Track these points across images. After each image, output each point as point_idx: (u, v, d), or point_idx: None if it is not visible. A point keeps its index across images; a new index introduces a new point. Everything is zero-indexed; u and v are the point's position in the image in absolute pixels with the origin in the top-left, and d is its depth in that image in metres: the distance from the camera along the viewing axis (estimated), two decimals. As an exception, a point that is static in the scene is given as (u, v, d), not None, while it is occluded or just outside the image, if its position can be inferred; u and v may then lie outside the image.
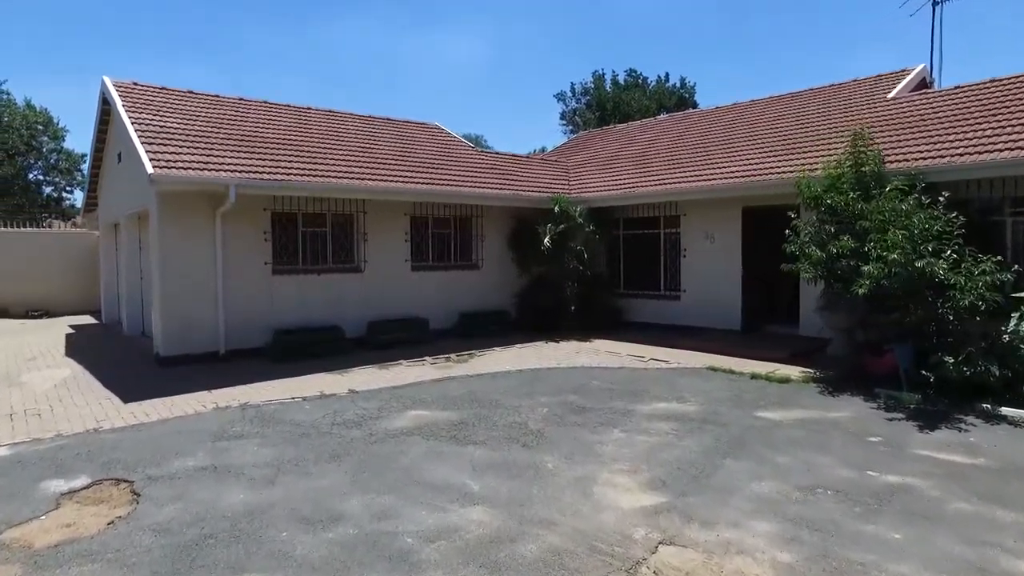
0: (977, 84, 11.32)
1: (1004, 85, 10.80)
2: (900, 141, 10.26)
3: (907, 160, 9.42)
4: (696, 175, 12.78)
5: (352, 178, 11.26)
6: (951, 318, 7.83)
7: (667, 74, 41.75)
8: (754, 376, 9.24)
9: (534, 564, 3.88)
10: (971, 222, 8.30)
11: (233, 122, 11.97)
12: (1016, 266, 8.01)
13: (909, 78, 13.12)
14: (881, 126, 11.17)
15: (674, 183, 12.86)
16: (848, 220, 8.87)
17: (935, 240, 7.84)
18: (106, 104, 12.06)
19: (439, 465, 5.65)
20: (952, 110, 10.67)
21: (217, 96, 13.33)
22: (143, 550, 4.03)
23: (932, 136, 9.91)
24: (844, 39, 53.44)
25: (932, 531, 4.32)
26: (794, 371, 9.53)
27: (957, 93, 11.35)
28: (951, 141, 9.52)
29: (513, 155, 16.91)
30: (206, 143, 10.47)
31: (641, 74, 42.54)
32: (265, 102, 14.12)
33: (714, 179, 12.15)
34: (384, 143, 14.03)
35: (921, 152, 9.51)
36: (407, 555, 3.99)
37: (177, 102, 12.04)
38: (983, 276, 7.47)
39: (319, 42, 60.03)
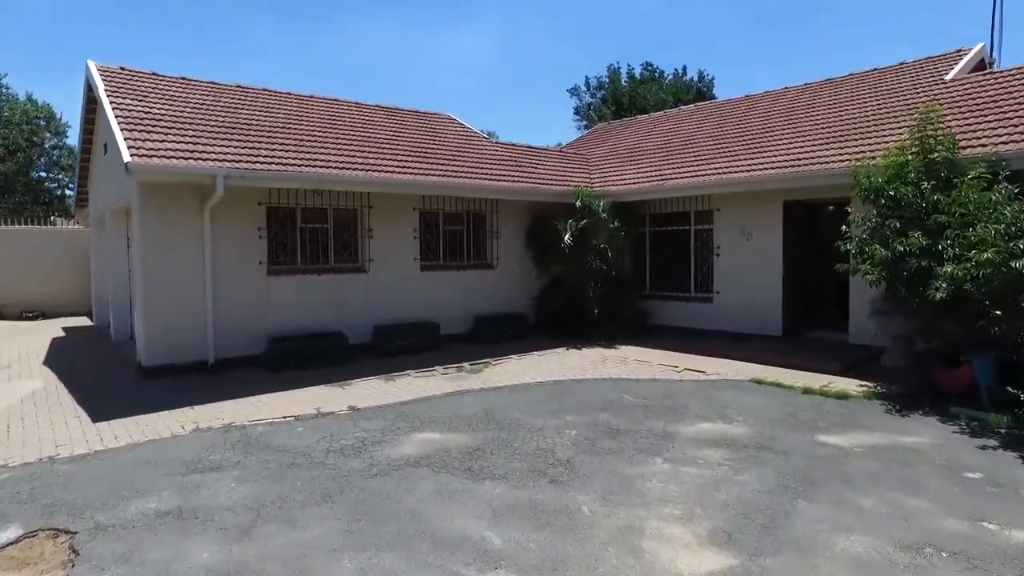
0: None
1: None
2: (971, 125, 9.21)
3: (984, 145, 8.37)
4: (732, 166, 11.76)
5: (355, 169, 10.35)
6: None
7: (684, 67, 40.70)
8: (807, 391, 8.23)
9: (578, 668, 2.94)
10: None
11: (228, 110, 11.10)
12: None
13: (967, 58, 12.02)
14: (944, 110, 10.09)
15: (709, 175, 11.85)
16: (917, 214, 7.85)
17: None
18: (91, 91, 11.22)
19: (451, 508, 4.71)
20: (1029, 91, 9.59)
21: (213, 83, 12.47)
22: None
23: (1012, 118, 8.84)
24: (863, 29, 51.99)
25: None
26: (850, 385, 8.52)
27: (1030, 72, 10.27)
28: (1033, 124, 8.46)
29: (530, 147, 15.96)
30: (195, 131, 9.60)
31: (658, 67, 41.49)
32: (265, 89, 13.25)
33: (753, 170, 11.12)
34: (391, 133, 13.12)
35: (1000, 136, 8.45)
36: (410, 650, 3.06)
37: (167, 88, 11.19)
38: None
39: (330, 43, 59.37)
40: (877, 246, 7.84)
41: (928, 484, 5.13)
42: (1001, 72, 10.92)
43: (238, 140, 9.81)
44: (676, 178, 12.40)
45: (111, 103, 9.41)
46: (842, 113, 12.01)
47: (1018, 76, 10.29)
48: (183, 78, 12.12)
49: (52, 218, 24.86)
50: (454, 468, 5.56)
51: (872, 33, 52.04)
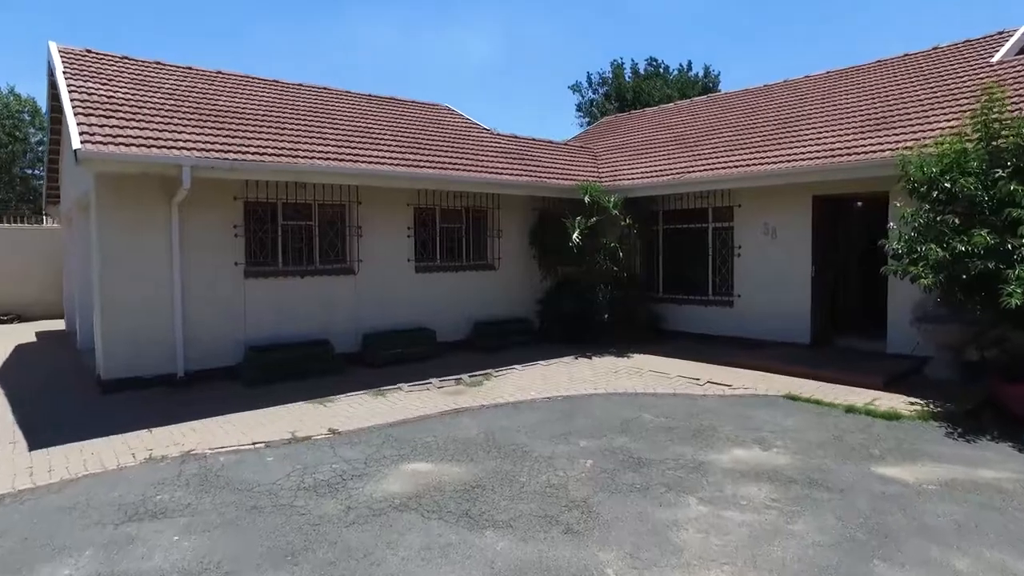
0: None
1: None
2: (1031, 109, 8.29)
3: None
4: (755, 157, 10.84)
5: (343, 159, 9.43)
6: None
7: (689, 62, 39.84)
8: (850, 409, 7.31)
9: None
10: None
11: (203, 96, 10.19)
12: None
13: (1014, 39, 11.09)
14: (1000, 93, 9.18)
15: (731, 167, 10.93)
16: (980, 208, 6.93)
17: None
18: (53, 75, 10.31)
19: (444, 571, 3.80)
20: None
21: (190, 68, 11.58)
22: None
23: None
24: (870, 27, 51.04)
25: None
26: (897, 402, 7.60)
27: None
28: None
29: (533, 139, 15.05)
30: (163, 118, 8.69)
31: (663, 62, 40.61)
32: (247, 76, 12.36)
33: (781, 160, 10.20)
34: (383, 123, 12.22)
35: (1071, 120, 7.53)
36: None
37: (138, 72, 10.29)
38: None
39: (330, 40, 58.39)
40: (933, 246, 6.91)
41: (1030, 537, 4.22)
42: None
43: (211, 128, 8.90)
44: (694, 171, 11.48)
45: (68, 86, 8.51)
46: (876, 100, 11.10)
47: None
48: (157, 62, 11.23)
49: (38, 216, 23.97)
50: (448, 512, 4.65)
51: (879, 32, 51.11)
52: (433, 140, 12.08)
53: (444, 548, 4.11)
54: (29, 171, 32.42)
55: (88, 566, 3.81)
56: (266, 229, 9.53)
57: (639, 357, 10.68)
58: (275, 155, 8.74)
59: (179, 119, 8.84)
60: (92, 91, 8.59)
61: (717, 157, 11.71)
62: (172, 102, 9.41)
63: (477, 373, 9.45)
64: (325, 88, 13.46)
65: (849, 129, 10.29)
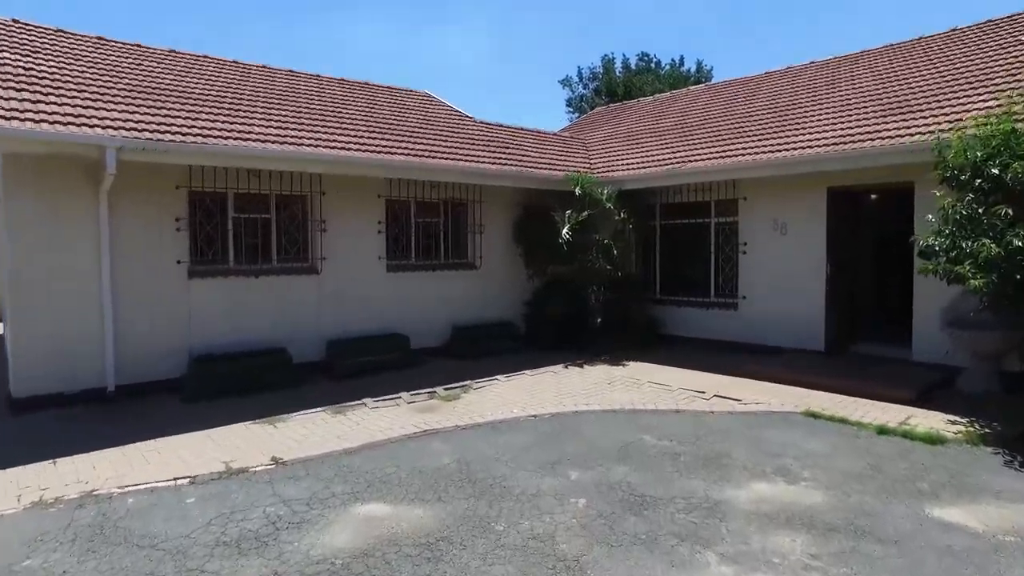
0: None
1: None
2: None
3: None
4: (763, 145, 9.90)
5: (302, 143, 8.39)
6: None
7: (682, 57, 39.10)
8: (883, 430, 6.36)
9: None
10: None
11: (149, 74, 9.13)
12: None
13: (1045, 17, 10.23)
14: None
15: (736, 155, 9.98)
16: (1036, 197, 6.01)
17: None
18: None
19: None
20: None
21: (138, 45, 10.48)
22: None
23: None
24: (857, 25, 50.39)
25: None
26: (936, 420, 6.66)
27: None
28: None
29: (520, 128, 14.04)
30: (93, 94, 7.62)
31: (654, 57, 39.84)
32: (204, 56, 11.28)
33: (792, 148, 9.26)
34: (354, 107, 11.18)
35: None
36: None
37: (72, 47, 9.21)
38: None
39: (319, 41, 57.03)
40: (986, 241, 5.97)
41: None
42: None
43: (148, 107, 7.84)
44: (695, 160, 10.51)
45: (-21, 55, 7.42)
46: (893, 84, 10.18)
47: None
48: (99, 38, 10.15)
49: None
50: (402, 579, 3.64)
51: (859, 29, 50.52)
52: (408, 126, 11.06)
53: (390, 640, 3.10)
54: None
55: None
56: (215, 223, 8.47)
57: (636, 366, 9.70)
58: (222, 137, 7.69)
59: (111, 96, 7.76)
60: (4, 61, 7.49)
61: (720, 146, 10.75)
62: (107, 79, 8.33)
63: (454, 385, 8.43)
64: (291, 71, 12.40)
65: (867, 113, 9.37)
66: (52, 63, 8.13)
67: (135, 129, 6.93)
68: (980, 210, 6.47)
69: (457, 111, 13.86)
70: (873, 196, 11.04)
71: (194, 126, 7.68)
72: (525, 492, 4.94)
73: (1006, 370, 7.73)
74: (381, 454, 5.85)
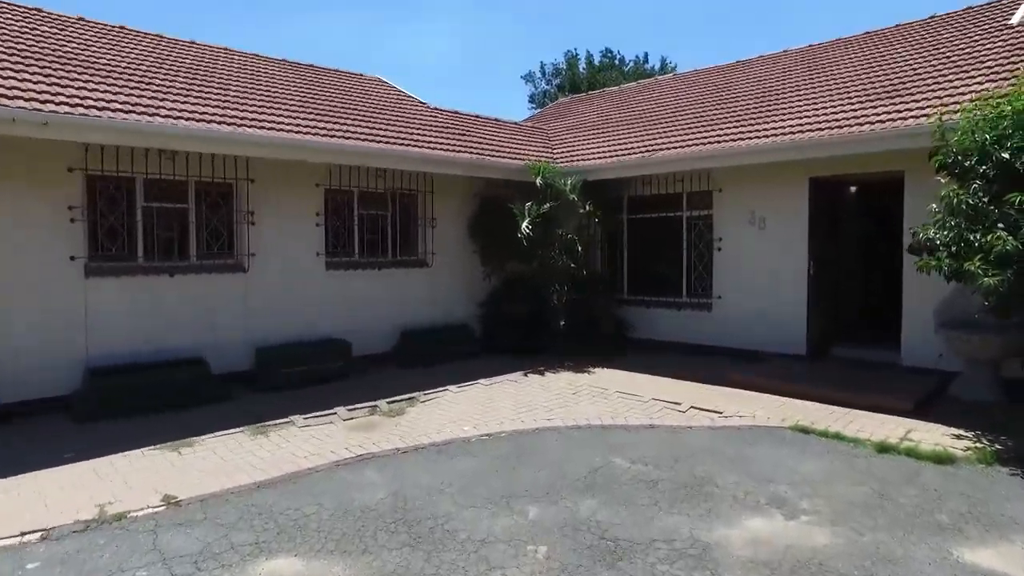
0: None
1: None
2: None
3: None
4: (740, 132, 9.19)
5: (224, 121, 7.36)
6: None
7: (646, 54, 38.84)
8: (883, 448, 5.64)
9: None
10: None
11: (42, 42, 7.95)
12: None
13: (1031, 0, 9.75)
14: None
15: (710, 142, 9.25)
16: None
17: None
18: None
19: None
20: None
21: (39, 10, 9.25)
22: None
23: None
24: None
25: None
26: (938, 435, 5.99)
27: None
28: None
29: (477, 116, 13.15)
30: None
31: (618, 53, 39.61)
32: (123, 27, 10.08)
33: (772, 134, 8.57)
34: (293, 88, 10.15)
35: None
36: None
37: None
38: None
39: (285, 38, 55.03)
40: (1002, 234, 5.29)
41: None
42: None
43: (30, 74, 6.69)
44: (666, 148, 9.76)
45: None
46: (877, 69, 9.59)
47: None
48: (37, 9, 8.98)
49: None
50: None
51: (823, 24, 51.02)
52: (354, 110, 10.07)
53: None
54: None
55: None
56: (120, 213, 7.37)
57: (603, 373, 8.90)
58: (123, 111, 6.61)
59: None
60: None
61: (692, 133, 10.03)
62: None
63: (399, 398, 7.49)
64: (225, 49, 11.29)
65: (853, 97, 8.73)
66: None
67: (5, 96, 5.81)
68: (986, 199, 5.83)
69: (410, 96, 12.89)
70: (852, 188, 10.44)
71: (88, 97, 6.58)
72: (472, 538, 4.05)
73: (1007, 376, 7.14)
74: (302, 488, 4.90)
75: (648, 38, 53.76)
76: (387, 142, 9.04)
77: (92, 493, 4.69)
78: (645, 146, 10.31)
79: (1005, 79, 7.28)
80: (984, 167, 5.90)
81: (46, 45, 7.83)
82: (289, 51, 53.08)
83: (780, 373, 8.05)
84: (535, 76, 41.26)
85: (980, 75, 7.78)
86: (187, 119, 7.09)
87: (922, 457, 5.42)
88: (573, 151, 11.80)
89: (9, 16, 8.51)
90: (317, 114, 9.10)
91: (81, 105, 6.33)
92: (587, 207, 9.98)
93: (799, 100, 9.51)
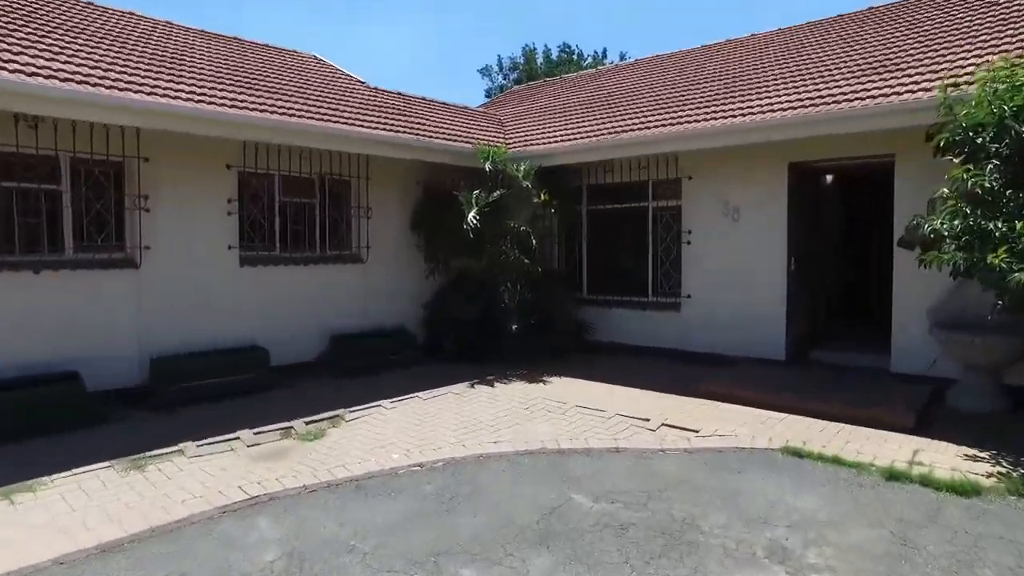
0: None
1: None
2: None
3: None
4: (711, 112, 8.30)
5: (103, 84, 6.09)
6: None
7: (604, 50, 38.30)
8: (892, 475, 4.76)
9: None
10: None
11: None
12: None
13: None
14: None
15: (678, 123, 8.34)
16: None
17: None
18: None
19: None
20: None
21: None
22: None
23: None
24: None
25: None
26: (950, 455, 5.16)
27: None
28: None
29: (423, 98, 12.02)
30: None
31: (576, 48, 39.03)
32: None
33: (748, 113, 7.70)
34: (209, 57, 8.87)
35: None
36: None
37: None
38: None
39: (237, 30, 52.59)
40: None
41: None
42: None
43: None
44: (632, 130, 8.82)
45: None
46: (859, 47, 8.84)
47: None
48: None
49: None
50: None
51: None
52: (280, 85, 8.83)
53: None
54: None
55: None
56: (-30, 194, 6.04)
57: (560, 382, 7.90)
58: (-34, 66, 5.31)
59: None
60: None
61: (658, 114, 9.11)
62: None
63: (320, 416, 6.34)
64: (132, 13, 9.92)
65: (836, 75, 7.92)
66: None
67: None
68: (1003, 182, 5.03)
69: (349, 75, 11.69)
70: (829, 177, 9.67)
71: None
72: (383, 626, 2.98)
73: (1010, 384, 6.39)
74: (165, 549, 3.75)
75: (606, 36, 53.23)
76: (318, 118, 7.87)
77: None
78: (606, 129, 9.35)
79: (1003, 51, 6.54)
80: (998, 145, 5.11)
81: None
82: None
83: (759, 381, 7.17)
84: (492, 70, 40.42)
85: (978, 47, 7.06)
86: (56, 78, 5.81)
87: (940, 487, 4.55)
88: (528, 136, 10.78)
89: None
90: (232, 86, 7.85)
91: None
92: (542, 196, 8.96)
93: (776, 80, 8.67)
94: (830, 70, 8.21)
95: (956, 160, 5.30)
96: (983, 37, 7.37)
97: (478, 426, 6.15)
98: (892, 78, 7.08)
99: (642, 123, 8.93)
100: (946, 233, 5.26)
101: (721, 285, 8.50)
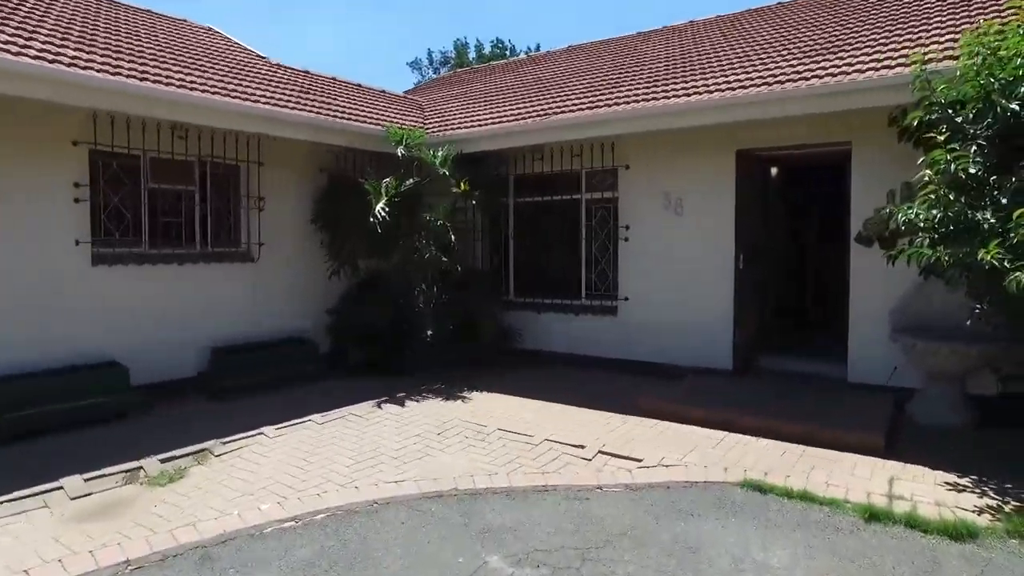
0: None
1: None
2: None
3: None
4: (652, 92, 7.49)
5: None
6: None
7: (538, 45, 37.72)
8: (871, 515, 3.99)
9: None
10: None
11: None
12: None
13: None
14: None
15: (615, 103, 7.50)
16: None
17: None
18: None
19: None
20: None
21: None
22: None
23: None
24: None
25: None
26: (930, 484, 4.47)
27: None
28: None
29: (334, 77, 10.82)
30: None
31: (509, 43, 38.27)
32: None
33: (694, 92, 6.91)
34: (81, 18, 7.44)
35: None
36: None
37: None
38: None
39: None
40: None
41: None
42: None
43: None
44: (562, 111, 7.92)
45: None
46: (808, 31, 8.24)
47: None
48: None
49: None
50: None
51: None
52: (161, 51, 7.49)
53: None
54: None
55: None
56: None
57: (482, 399, 6.91)
58: None
59: None
60: None
61: (592, 96, 8.25)
62: None
63: (183, 452, 5.14)
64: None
65: (788, 55, 7.27)
66: None
67: None
68: (987, 167, 4.37)
69: (247, 49, 10.37)
70: (773, 170, 9.05)
71: None
72: None
73: (976, 393, 5.81)
74: None
75: (540, 32, 52.63)
76: (198, 89, 6.61)
77: None
78: (535, 112, 8.43)
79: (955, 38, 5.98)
80: (977, 127, 4.45)
81: None
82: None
83: (707, 395, 6.39)
84: (422, 64, 39.24)
85: (940, 26, 6.51)
86: None
87: (929, 529, 3.80)
88: (449, 120, 9.74)
89: None
90: (92, 46, 6.51)
91: None
92: (462, 186, 7.95)
93: (722, 61, 7.95)
94: (780, 52, 7.55)
95: (936, 140, 4.59)
96: (943, 17, 6.83)
97: (379, 458, 5.09)
98: (849, 56, 6.44)
99: (574, 106, 8.05)
100: (922, 224, 4.57)
101: (663, 286, 7.70)
